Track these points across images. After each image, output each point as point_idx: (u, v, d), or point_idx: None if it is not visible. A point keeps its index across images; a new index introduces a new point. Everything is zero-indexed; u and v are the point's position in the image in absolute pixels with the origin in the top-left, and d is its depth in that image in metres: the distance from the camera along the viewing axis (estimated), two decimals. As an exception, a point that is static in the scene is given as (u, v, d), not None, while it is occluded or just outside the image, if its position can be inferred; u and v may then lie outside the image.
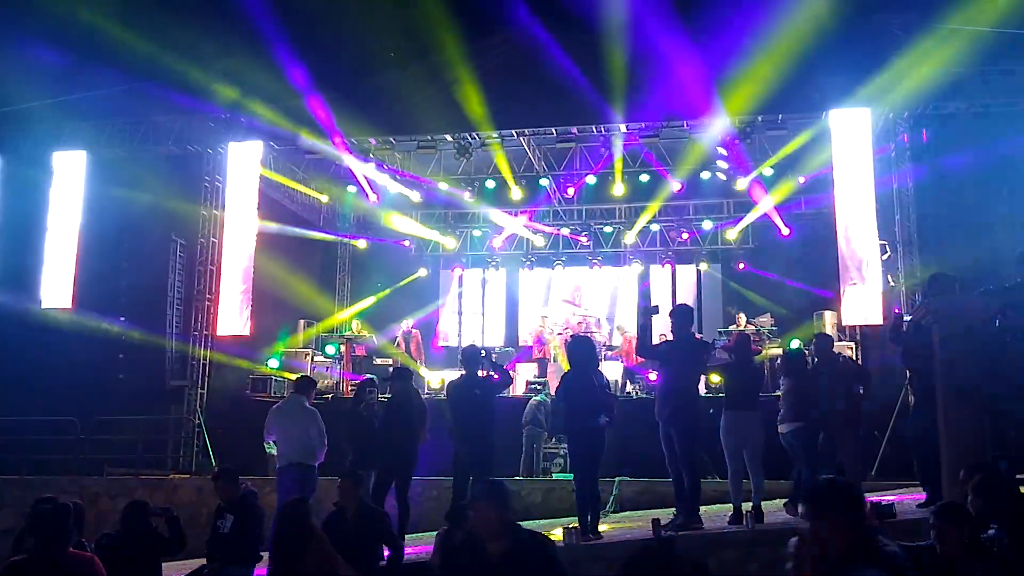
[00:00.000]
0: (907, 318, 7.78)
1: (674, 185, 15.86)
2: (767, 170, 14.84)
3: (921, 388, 7.51)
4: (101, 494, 11.84)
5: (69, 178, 14.59)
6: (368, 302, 18.49)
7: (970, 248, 12.79)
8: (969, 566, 4.21)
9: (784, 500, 8.40)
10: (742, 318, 15.37)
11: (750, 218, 16.56)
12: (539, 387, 13.37)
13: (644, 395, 13.19)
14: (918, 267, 12.53)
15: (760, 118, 13.54)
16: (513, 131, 14.50)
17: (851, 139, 12.84)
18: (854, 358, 12.48)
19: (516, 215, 17.70)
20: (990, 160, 12.45)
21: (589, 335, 13.89)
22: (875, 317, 12.14)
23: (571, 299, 18.28)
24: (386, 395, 10.18)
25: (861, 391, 8.31)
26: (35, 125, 14.60)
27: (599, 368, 8.25)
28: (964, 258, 12.62)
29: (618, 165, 15.11)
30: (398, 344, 16.02)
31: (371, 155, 15.28)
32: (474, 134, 14.47)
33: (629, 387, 14.28)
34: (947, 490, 6.14)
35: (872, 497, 7.38)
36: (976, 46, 12.03)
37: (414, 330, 16.39)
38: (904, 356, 8.07)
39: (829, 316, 14.19)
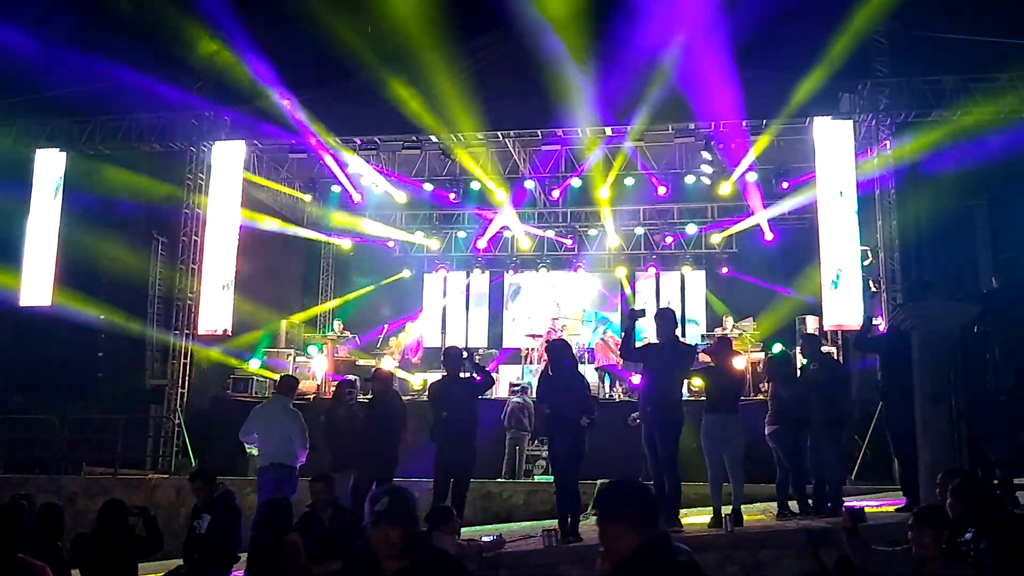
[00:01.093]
0: (877, 321, 7.82)
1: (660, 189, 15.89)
2: (752, 175, 14.91)
3: (900, 393, 7.53)
4: (79, 493, 11.72)
5: (50, 175, 14.48)
6: (334, 302, 18.51)
7: (950, 254, 12.91)
8: (945, 568, 4.23)
9: (762, 504, 8.45)
10: (729, 321, 15.41)
11: (742, 225, 16.63)
12: (518, 389, 13.29)
13: (627, 398, 13.19)
14: (898, 272, 12.62)
15: (744, 123, 13.62)
16: (499, 132, 14.50)
17: (834, 148, 12.97)
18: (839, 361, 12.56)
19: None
20: (971, 167, 12.55)
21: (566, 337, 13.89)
22: (856, 321, 12.21)
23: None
24: (368, 396, 10.14)
25: (851, 395, 8.35)
26: (15, 121, 14.49)
27: (579, 370, 8.25)
28: (944, 264, 12.75)
29: (615, 167, 15.19)
30: (393, 349, 15.98)
31: (356, 155, 15.22)
32: (459, 135, 14.46)
33: (610, 389, 14.27)
34: (924, 493, 6.18)
35: (848, 501, 7.42)
36: (958, 54, 12.16)
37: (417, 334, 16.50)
38: (882, 360, 8.12)
39: (811, 320, 14.26)
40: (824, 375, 8.24)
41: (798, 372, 8.97)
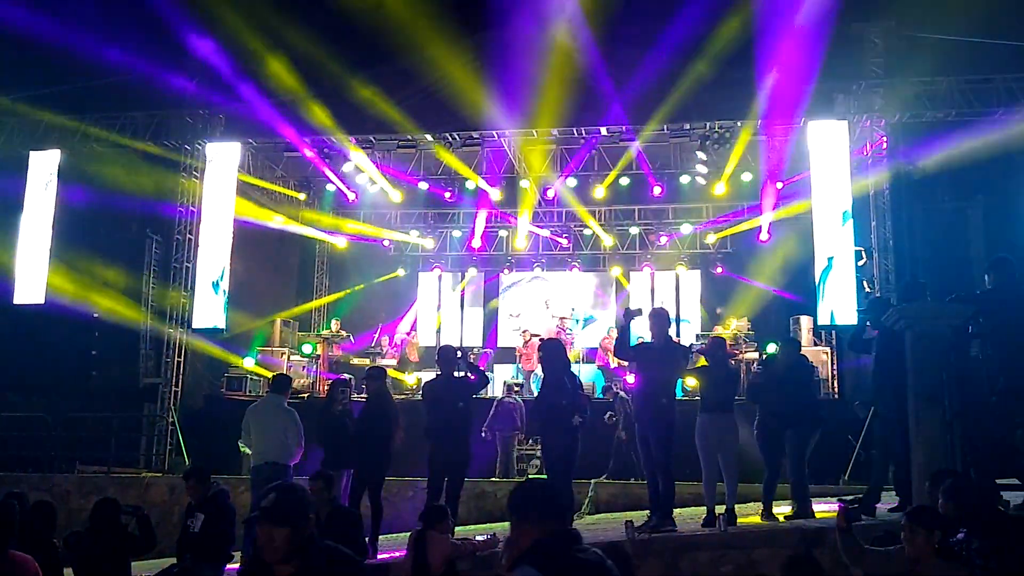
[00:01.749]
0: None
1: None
2: (747, 176, 14.94)
3: (893, 394, 7.54)
4: (72, 491, 11.69)
5: (45, 173, 14.43)
6: (325, 299, 18.50)
7: (944, 255, 12.96)
8: (937, 568, 4.25)
9: (756, 503, 8.45)
10: (732, 322, 15.39)
11: (742, 226, 16.66)
12: (508, 388, 13.27)
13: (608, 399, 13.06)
14: (892, 273, 12.66)
15: (739, 123, 13.63)
16: (494, 132, 14.49)
17: (828, 150, 13.00)
18: (815, 362, 12.57)
19: (497, 217, 17.62)
20: (965, 168, 12.59)
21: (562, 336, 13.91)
22: (849, 321, 12.25)
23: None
24: (362, 395, 10.14)
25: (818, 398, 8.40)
26: (10, 119, 14.43)
27: (571, 369, 8.25)
28: (938, 264, 12.79)
29: (615, 169, 15.21)
30: (391, 348, 15.97)
31: (357, 150, 15.17)
32: (455, 135, 14.46)
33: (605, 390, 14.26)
34: (917, 494, 6.19)
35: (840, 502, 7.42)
36: (952, 55, 12.19)
37: (411, 335, 16.45)
38: (875, 361, 8.12)
39: (805, 321, 14.29)
40: (791, 375, 8.23)
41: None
